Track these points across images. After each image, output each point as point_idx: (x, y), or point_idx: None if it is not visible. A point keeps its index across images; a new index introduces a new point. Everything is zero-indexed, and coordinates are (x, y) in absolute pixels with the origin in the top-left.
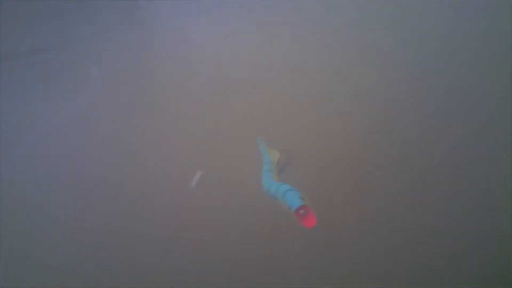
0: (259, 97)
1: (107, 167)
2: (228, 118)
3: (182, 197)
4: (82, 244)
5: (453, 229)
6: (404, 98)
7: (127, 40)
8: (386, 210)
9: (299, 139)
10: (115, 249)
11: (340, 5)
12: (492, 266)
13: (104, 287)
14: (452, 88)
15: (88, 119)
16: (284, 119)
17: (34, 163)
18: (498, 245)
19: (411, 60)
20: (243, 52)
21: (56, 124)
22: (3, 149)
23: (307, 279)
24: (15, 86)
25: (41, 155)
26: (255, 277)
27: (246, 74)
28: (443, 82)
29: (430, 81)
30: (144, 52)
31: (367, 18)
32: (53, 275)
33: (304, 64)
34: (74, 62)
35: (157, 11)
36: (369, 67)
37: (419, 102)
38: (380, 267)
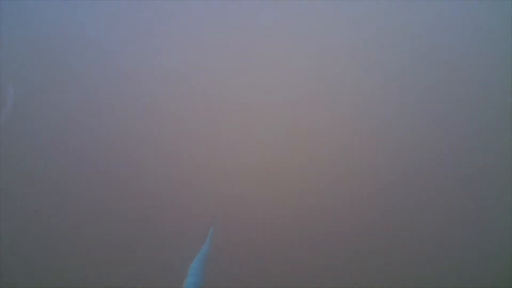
0: (259, 100)
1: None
2: (225, 120)
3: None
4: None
5: (453, 229)
6: (405, 99)
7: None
8: (386, 211)
9: (298, 140)
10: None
11: (340, 5)
12: (492, 266)
13: (105, 287)
14: (454, 89)
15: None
16: (284, 120)
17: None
18: (498, 245)
19: (412, 60)
20: (242, 53)
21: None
22: None
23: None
24: None
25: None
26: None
27: (243, 77)
28: (446, 84)
29: (432, 82)
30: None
31: (369, 18)
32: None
33: (304, 64)
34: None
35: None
36: (369, 68)
37: (420, 103)
38: (380, 268)
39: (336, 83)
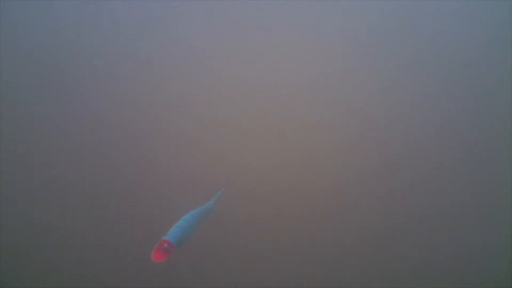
0: (259, 97)
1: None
2: (226, 117)
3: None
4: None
5: (453, 229)
6: (405, 99)
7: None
8: (386, 211)
9: (298, 138)
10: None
11: (341, 5)
12: (492, 266)
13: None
14: (454, 89)
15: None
16: (285, 118)
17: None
18: (498, 246)
19: (413, 61)
20: (243, 52)
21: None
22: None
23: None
24: None
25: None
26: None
27: (245, 74)
28: (444, 85)
29: (431, 82)
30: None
31: (369, 19)
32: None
33: (305, 64)
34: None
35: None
36: (370, 69)
37: (419, 103)
38: (379, 267)
39: (338, 81)
